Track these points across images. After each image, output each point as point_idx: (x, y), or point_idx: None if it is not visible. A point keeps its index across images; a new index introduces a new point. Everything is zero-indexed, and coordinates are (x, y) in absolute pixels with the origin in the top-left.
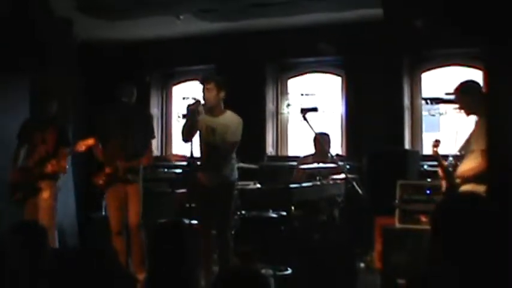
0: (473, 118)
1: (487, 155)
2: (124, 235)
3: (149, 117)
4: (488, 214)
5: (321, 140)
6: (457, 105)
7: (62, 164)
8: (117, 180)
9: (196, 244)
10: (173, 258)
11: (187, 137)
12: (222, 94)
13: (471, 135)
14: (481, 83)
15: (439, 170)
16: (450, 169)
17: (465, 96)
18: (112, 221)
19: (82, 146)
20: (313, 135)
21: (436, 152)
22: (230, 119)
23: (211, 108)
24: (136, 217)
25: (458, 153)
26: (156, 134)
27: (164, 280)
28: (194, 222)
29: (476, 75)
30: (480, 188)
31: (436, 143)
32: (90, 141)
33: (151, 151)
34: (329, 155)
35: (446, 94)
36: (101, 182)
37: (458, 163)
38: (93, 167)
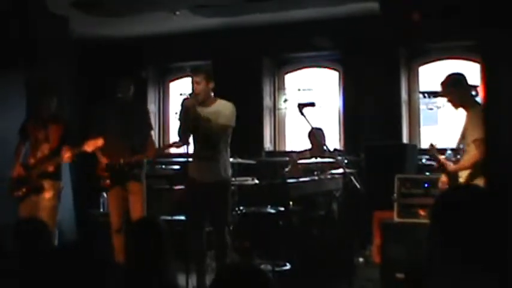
0: (463, 111)
1: (480, 144)
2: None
3: (146, 112)
4: (488, 206)
5: (316, 135)
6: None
7: (65, 156)
8: (122, 177)
9: (173, 241)
10: (149, 255)
11: (184, 136)
12: (211, 85)
13: (464, 129)
14: (479, 75)
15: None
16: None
17: (452, 90)
18: (113, 219)
19: (90, 146)
20: (309, 130)
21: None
22: (222, 106)
23: (202, 100)
24: (140, 214)
25: (455, 148)
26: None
27: (141, 277)
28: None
29: (474, 68)
30: (478, 180)
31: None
32: (100, 142)
33: (153, 144)
34: (325, 149)
35: None
36: (107, 181)
37: (459, 156)
38: (91, 164)
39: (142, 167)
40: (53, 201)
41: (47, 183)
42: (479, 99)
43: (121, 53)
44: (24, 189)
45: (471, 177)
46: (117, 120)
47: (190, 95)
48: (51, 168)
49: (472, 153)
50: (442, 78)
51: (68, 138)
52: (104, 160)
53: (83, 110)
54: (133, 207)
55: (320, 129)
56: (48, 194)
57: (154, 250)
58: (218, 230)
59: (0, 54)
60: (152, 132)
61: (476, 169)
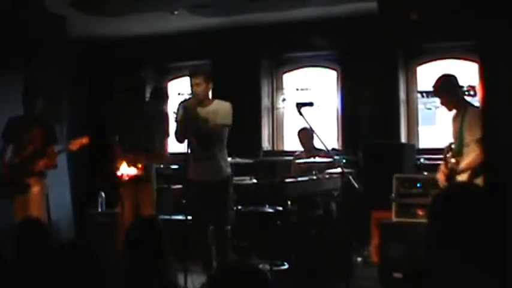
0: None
1: (481, 144)
2: None
3: (161, 115)
4: (486, 204)
5: (306, 135)
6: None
7: (51, 162)
8: (137, 178)
9: (169, 239)
10: (148, 255)
11: (182, 137)
12: (211, 85)
13: (459, 129)
14: (477, 75)
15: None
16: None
17: (444, 93)
18: (126, 214)
19: (75, 145)
20: (298, 130)
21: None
22: (219, 106)
23: (201, 100)
24: (150, 211)
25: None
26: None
27: (140, 277)
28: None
29: (472, 68)
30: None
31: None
32: (84, 140)
33: (166, 151)
34: (313, 149)
35: None
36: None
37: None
38: (89, 164)
39: (150, 167)
40: (41, 195)
41: (33, 180)
42: (476, 98)
43: (119, 53)
44: (8, 189)
45: (473, 176)
46: (138, 124)
47: (189, 99)
48: (39, 167)
49: (475, 153)
50: (433, 81)
51: (50, 139)
52: (121, 162)
53: (81, 110)
54: (144, 204)
55: (307, 129)
56: (35, 189)
57: (153, 250)
58: (219, 229)
59: (0, 54)
60: (168, 139)
61: (478, 168)
